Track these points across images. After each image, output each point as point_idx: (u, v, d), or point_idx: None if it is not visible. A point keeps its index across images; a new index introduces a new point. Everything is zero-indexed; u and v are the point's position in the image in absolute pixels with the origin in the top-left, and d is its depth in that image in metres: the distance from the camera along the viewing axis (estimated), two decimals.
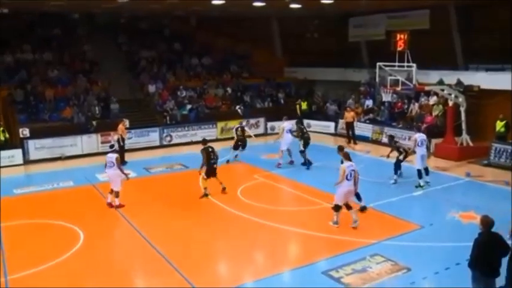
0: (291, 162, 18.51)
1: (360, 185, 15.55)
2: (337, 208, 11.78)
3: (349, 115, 23.64)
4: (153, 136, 23.61)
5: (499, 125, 19.65)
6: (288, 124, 18.85)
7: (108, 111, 23.96)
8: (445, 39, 24.65)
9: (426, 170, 15.66)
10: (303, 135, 18.15)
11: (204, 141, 14.86)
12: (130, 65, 28.60)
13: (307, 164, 17.91)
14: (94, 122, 22.71)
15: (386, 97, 20.34)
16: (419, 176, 15.31)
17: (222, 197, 14.51)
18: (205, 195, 14.58)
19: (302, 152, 17.99)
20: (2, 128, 20.56)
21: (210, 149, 14.55)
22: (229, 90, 28.65)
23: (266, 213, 13.10)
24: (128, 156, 19.92)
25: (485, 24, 23.16)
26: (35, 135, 21.15)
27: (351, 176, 11.57)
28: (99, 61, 27.44)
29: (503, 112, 19.42)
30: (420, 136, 15.67)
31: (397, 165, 15.86)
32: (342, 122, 25.17)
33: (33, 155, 20.59)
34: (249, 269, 10.08)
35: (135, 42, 30.02)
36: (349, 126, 23.67)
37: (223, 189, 14.83)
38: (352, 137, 23.61)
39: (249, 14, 29.00)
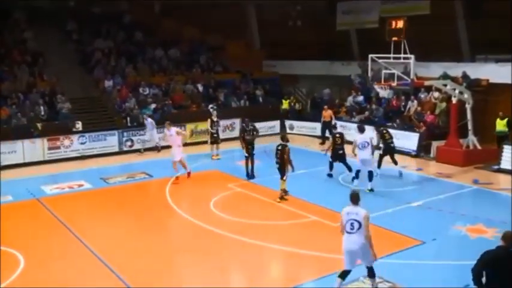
0: (188, 174, 18.15)
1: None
2: (341, 274, 9.28)
3: (326, 114, 24.39)
4: (111, 141, 23.27)
5: (500, 124, 19.85)
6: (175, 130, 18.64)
7: (55, 112, 23.53)
8: (448, 26, 24.84)
9: (370, 174, 16.04)
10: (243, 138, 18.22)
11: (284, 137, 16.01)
12: (82, 57, 28.20)
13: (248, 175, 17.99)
14: (39, 125, 22.24)
15: (383, 93, 20.44)
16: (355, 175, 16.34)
17: (192, 211, 14.36)
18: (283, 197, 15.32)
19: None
20: None
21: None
22: (199, 87, 28.45)
23: (242, 228, 12.95)
24: (81, 165, 19.53)
25: (495, 9, 23.23)
26: None
27: (352, 227, 9.03)
28: (43, 52, 26.96)
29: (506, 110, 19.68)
30: (361, 138, 16.07)
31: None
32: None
33: None
34: None
35: (88, 31, 29.63)
36: (327, 126, 24.12)
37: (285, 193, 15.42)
38: (328, 138, 23.86)
39: None
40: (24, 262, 11.23)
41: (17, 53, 26.26)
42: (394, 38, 18.17)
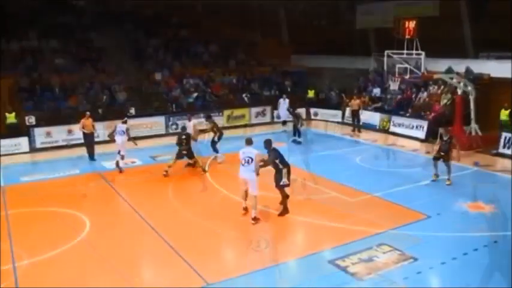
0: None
1: (367, 174, 15.77)
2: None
3: (355, 103, 23.78)
4: (159, 124, 23.77)
5: (503, 114, 19.53)
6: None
7: (114, 100, 24.02)
8: (454, 26, 24.38)
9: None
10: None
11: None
12: (137, 52, 28.51)
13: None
14: (100, 110, 22.76)
15: (394, 85, 20.32)
16: None
17: (229, 187, 14.42)
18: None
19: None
20: (14, 113, 20.94)
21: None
22: (235, 78, 28.60)
23: (272, 202, 12.92)
24: (133, 145, 19.82)
25: (497, 10, 22.70)
26: (41, 123, 21.35)
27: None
28: (105, 49, 27.39)
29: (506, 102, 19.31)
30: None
31: None
32: (348, 110, 25.11)
33: (39, 143, 20.73)
34: (254, 258, 9.99)
35: (141, 30, 29.88)
36: (355, 114, 23.76)
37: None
38: (357, 125, 23.67)
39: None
40: (90, 224, 11.77)
41: (84, 51, 26.65)
42: (407, 36, 18.10)
